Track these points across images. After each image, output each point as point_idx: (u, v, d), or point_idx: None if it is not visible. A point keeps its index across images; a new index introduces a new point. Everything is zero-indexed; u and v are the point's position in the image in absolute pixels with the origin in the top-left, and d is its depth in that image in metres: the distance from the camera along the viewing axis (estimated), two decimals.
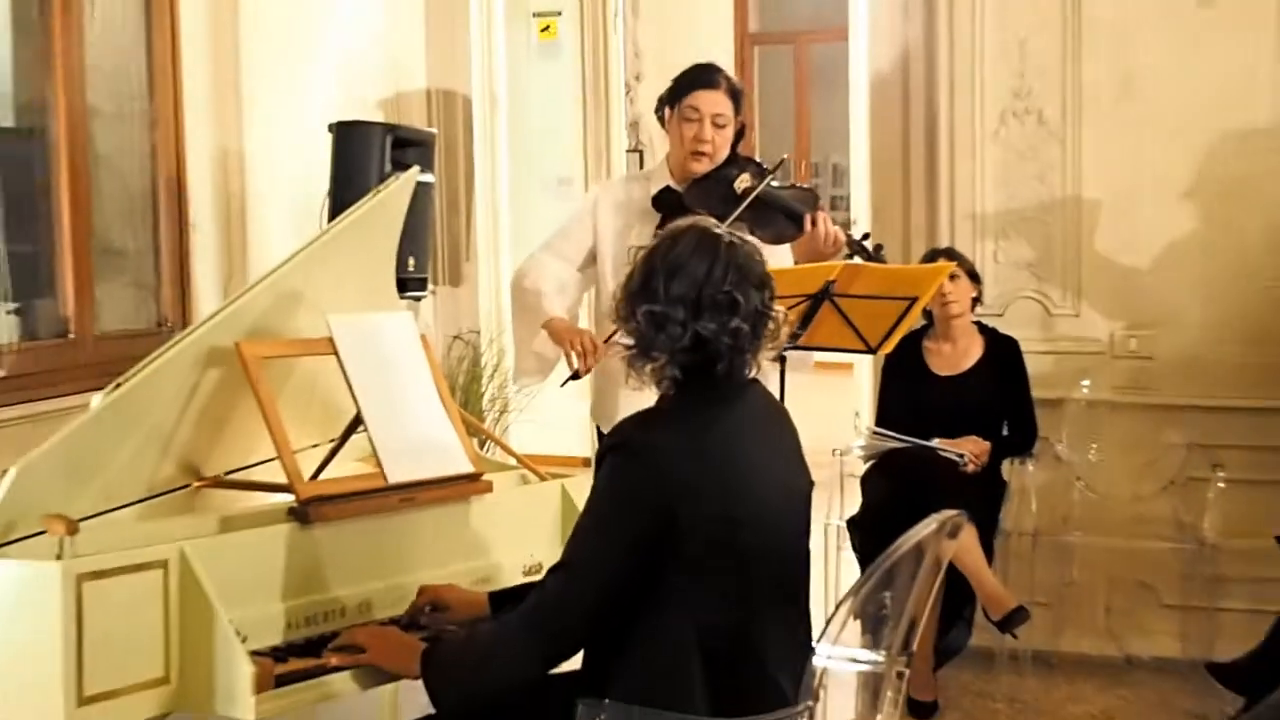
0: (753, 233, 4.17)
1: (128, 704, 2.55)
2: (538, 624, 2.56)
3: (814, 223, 4.09)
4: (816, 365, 4.66)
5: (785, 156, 4.36)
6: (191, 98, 5.78)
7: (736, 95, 4.17)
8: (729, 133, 4.17)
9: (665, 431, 2.56)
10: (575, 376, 3.95)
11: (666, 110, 4.20)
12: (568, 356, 3.92)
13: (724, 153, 4.16)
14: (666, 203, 4.09)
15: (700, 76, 4.16)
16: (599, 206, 4.23)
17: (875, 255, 4.32)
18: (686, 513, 2.48)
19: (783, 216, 4.15)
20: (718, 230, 2.66)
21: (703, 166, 4.14)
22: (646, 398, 2.72)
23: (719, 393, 2.61)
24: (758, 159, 4.28)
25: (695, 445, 2.53)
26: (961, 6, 5.37)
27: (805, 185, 4.43)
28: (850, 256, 4.31)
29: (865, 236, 4.42)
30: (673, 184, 4.18)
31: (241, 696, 2.55)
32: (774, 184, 4.18)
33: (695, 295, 2.55)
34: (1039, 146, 5.36)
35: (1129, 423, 5.33)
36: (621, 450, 2.55)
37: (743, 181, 4.13)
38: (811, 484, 2.79)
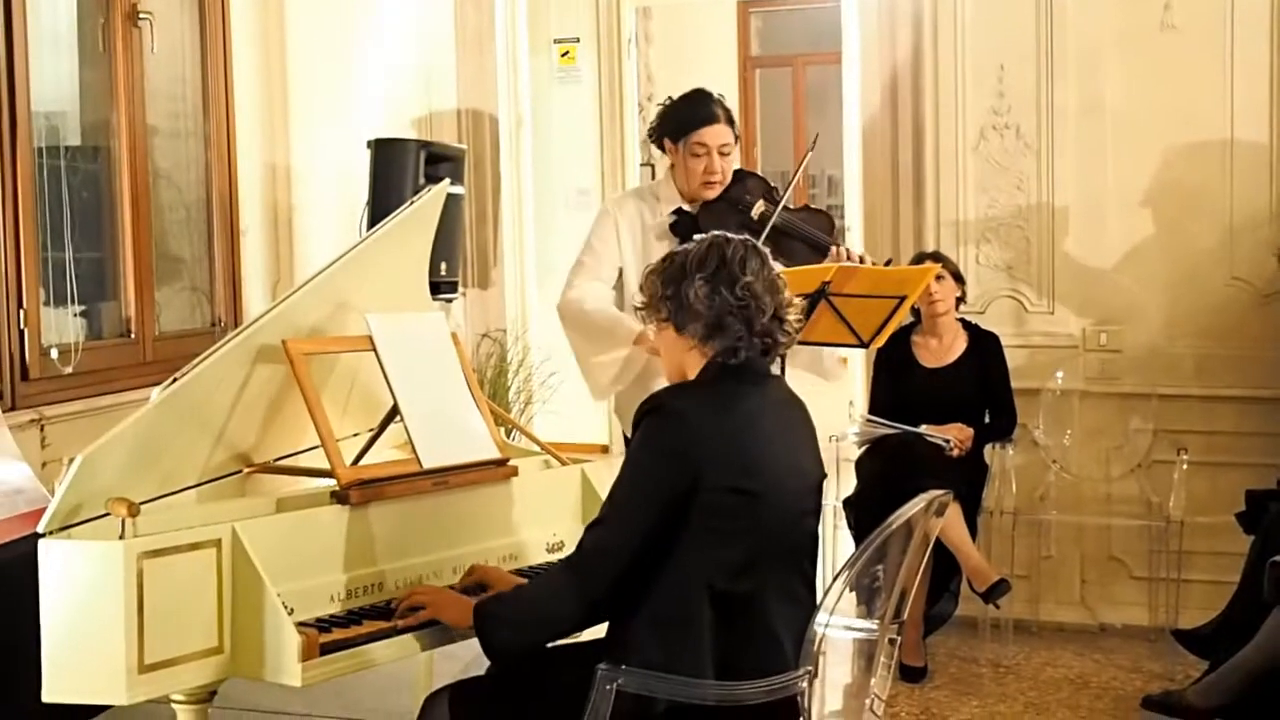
0: (775, 259, 4.16)
1: (184, 671, 2.54)
2: (578, 568, 2.59)
3: (837, 254, 4.07)
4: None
5: (817, 135, 4.32)
6: (242, 117, 5.80)
7: (732, 121, 4.12)
8: (733, 158, 4.13)
9: (693, 400, 2.59)
10: None
11: (667, 142, 4.12)
12: None
13: (729, 176, 4.12)
14: (684, 226, 4.03)
15: (701, 111, 4.07)
16: (620, 227, 4.13)
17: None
18: (708, 476, 2.48)
19: (804, 246, 4.13)
20: (738, 239, 2.69)
21: (714, 192, 4.10)
22: None
23: (743, 377, 2.62)
24: (760, 174, 4.25)
25: (719, 416, 2.55)
26: (945, 33, 5.35)
27: (817, 208, 4.40)
28: None
29: (889, 262, 4.41)
30: (685, 206, 4.13)
31: (289, 664, 2.54)
32: (789, 208, 4.14)
33: (726, 279, 2.60)
34: (1016, 159, 5.34)
35: (1099, 410, 5.32)
36: (656, 412, 2.56)
37: (758, 208, 4.10)
38: (824, 474, 2.77)
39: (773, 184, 4.23)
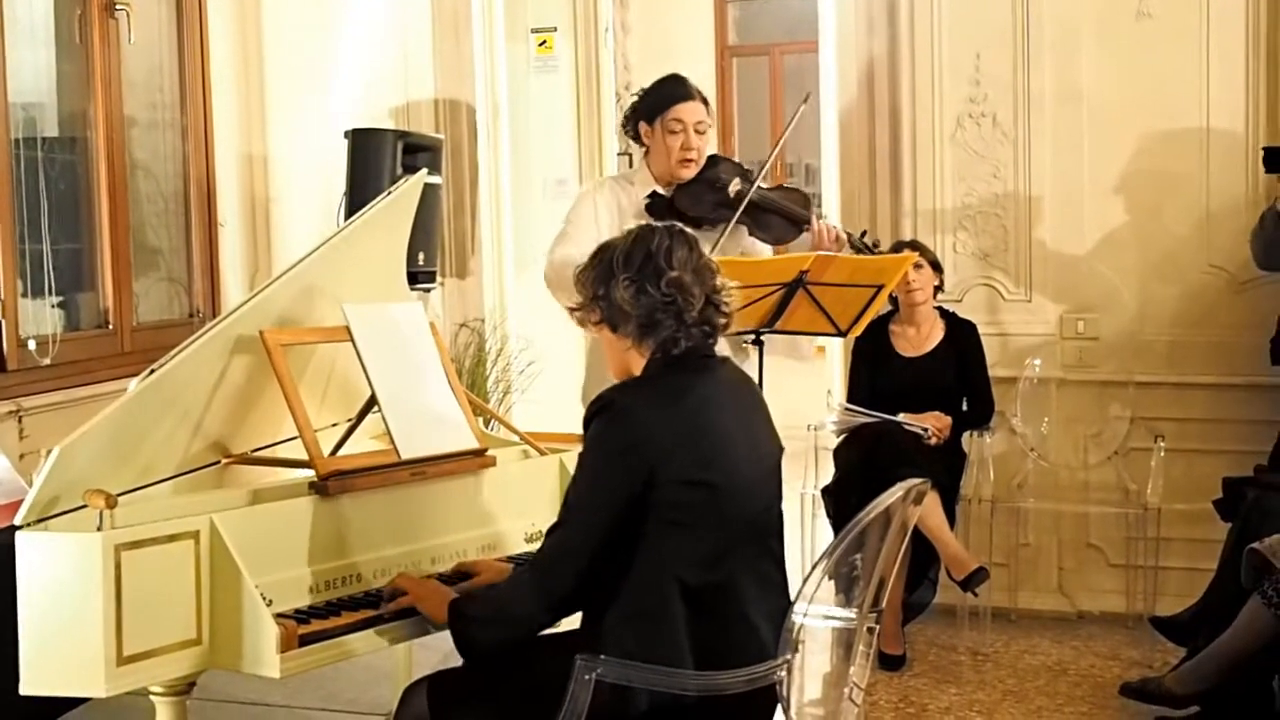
0: (753, 234, 4.18)
1: (163, 663, 2.53)
2: (540, 570, 2.60)
3: (816, 226, 4.11)
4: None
5: (808, 94, 4.37)
6: (219, 108, 5.78)
7: (707, 102, 4.16)
8: (709, 136, 4.15)
9: (642, 397, 2.58)
10: None
11: (643, 125, 4.14)
12: None
13: (704, 157, 4.14)
14: (660, 209, 4.04)
15: (677, 90, 4.12)
16: (598, 207, 4.14)
17: (874, 250, 4.33)
18: (663, 472, 2.49)
19: (781, 219, 4.15)
20: (662, 228, 2.68)
21: (690, 172, 4.11)
22: None
23: (691, 365, 2.62)
24: (735, 160, 4.26)
25: (670, 411, 2.54)
26: (921, 21, 5.36)
27: (793, 186, 4.42)
28: (855, 252, 4.31)
29: (864, 234, 4.43)
30: (659, 189, 4.15)
31: (268, 655, 2.54)
32: (763, 186, 4.16)
33: (651, 275, 2.59)
34: (992, 147, 5.35)
35: (1077, 398, 5.33)
36: (605, 413, 2.55)
37: (734, 186, 4.11)
38: (781, 449, 2.77)
39: (748, 168, 4.24)
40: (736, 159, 4.28)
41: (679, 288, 2.59)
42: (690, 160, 4.09)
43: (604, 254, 2.68)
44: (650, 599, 2.52)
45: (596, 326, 2.69)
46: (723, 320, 2.66)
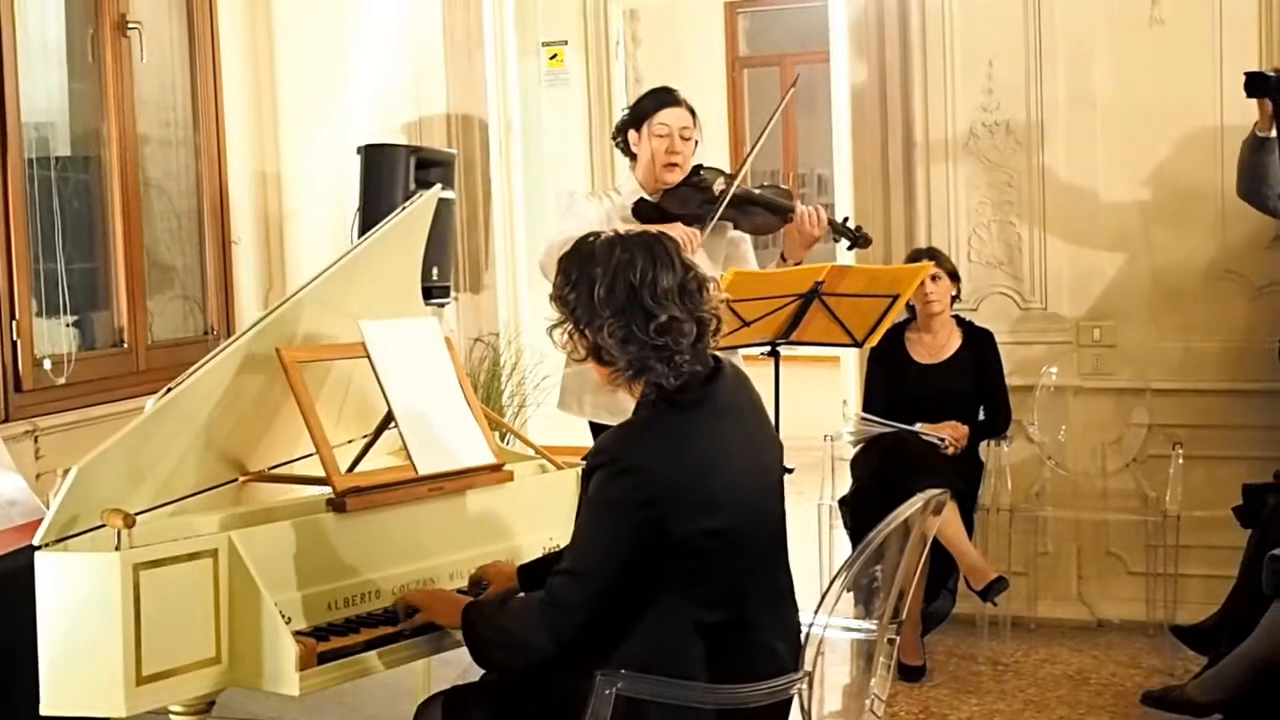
0: (736, 227, 4.22)
1: (182, 682, 2.54)
2: (552, 613, 2.52)
3: (800, 213, 4.15)
4: (805, 359, 4.66)
5: (797, 77, 4.43)
6: (232, 126, 5.80)
7: (693, 112, 4.23)
8: (693, 145, 4.22)
9: (646, 447, 2.48)
10: None
11: (631, 133, 4.22)
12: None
13: (689, 163, 4.21)
14: (645, 212, 4.09)
15: (663, 97, 4.22)
16: (587, 209, 4.21)
17: (857, 235, 4.34)
18: (674, 523, 2.43)
19: (763, 209, 4.20)
20: (638, 246, 2.53)
21: (675, 177, 4.18)
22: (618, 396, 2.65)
23: (689, 399, 2.51)
24: (718, 167, 4.31)
25: (676, 458, 2.45)
26: (933, 29, 5.36)
27: (777, 185, 4.45)
28: (836, 238, 4.33)
29: (845, 220, 4.45)
30: (646, 195, 4.19)
31: (287, 673, 2.54)
32: (746, 184, 4.21)
33: (639, 316, 2.47)
34: (1006, 155, 5.34)
35: (1094, 405, 5.32)
36: (608, 467, 2.47)
37: (719, 184, 4.17)
38: (781, 449, 2.72)
39: (731, 173, 4.29)
40: (750, 172, 4.31)
41: (669, 330, 2.47)
42: (675, 164, 4.16)
43: (584, 275, 2.52)
44: (667, 641, 2.50)
45: (584, 360, 2.58)
46: (713, 329, 2.55)
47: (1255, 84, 4.48)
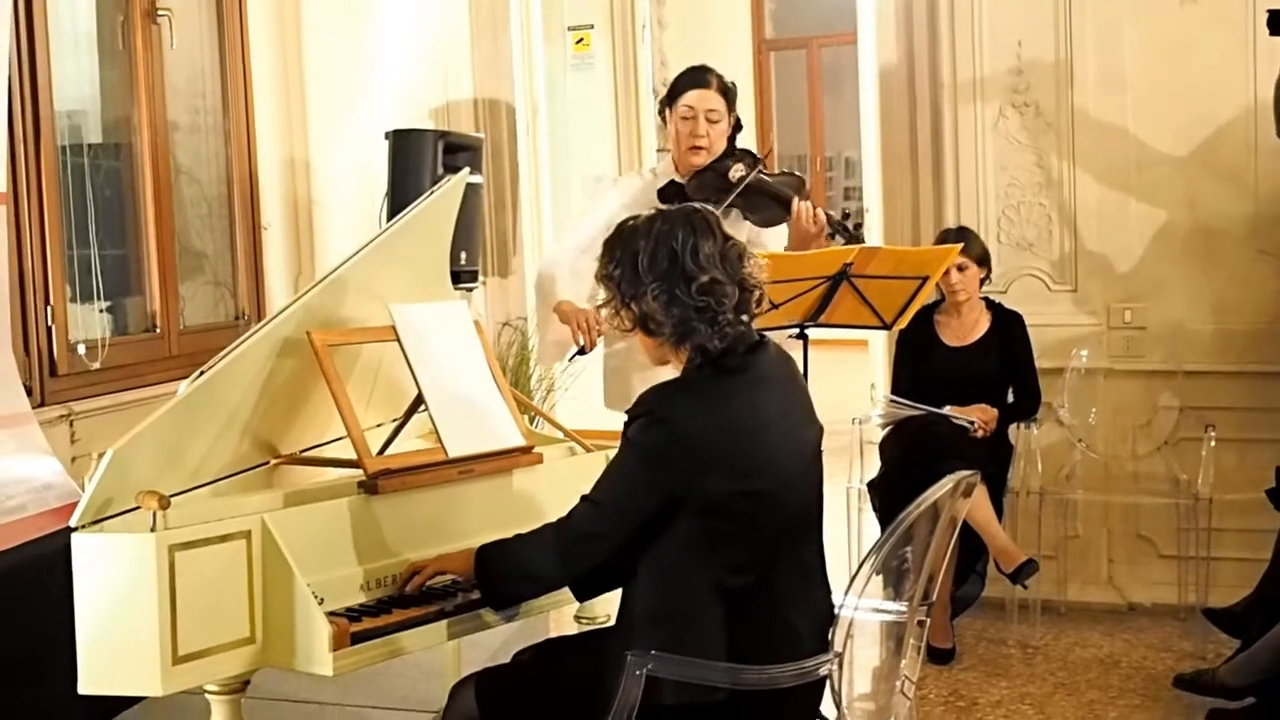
0: (745, 217, 4.21)
1: (217, 662, 2.56)
2: (567, 542, 2.63)
3: (798, 208, 4.09)
4: (833, 343, 4.65)
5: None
6: (261, 112, 5.82)
7: (728, 93, 4.16)
8: (723, 127, 4.16)
9: (686, 404, 2.53)
10: (581, 352, 3.96)
11: (666, 111, 4.21)
12: (574, 334, 3.91)
13: (720, 146, 4.16)
14: (671, 195, 4.07)
15: (693, 78, 4.16)
16: (611, 200, 4.20)
17: (854, 233, 4.32)
18: (707, 481, 2.46)
19: (771, 201, 4.14)
20: (679, 218, 2.61)
21: (700, 159, 4.13)
22: (662, 376, 2.68)
23: (731, 364, 2.57)
24: (753, 150, 4.27)
25: (714, 419, 2.50)
26: (961, 9, 5.33)
27: (793, 172, 4.42)
28: (833, 235, 4.31)
29: (845, 216, 4.44)
30: (677, 177, 4.17)
31: (320, 654, 2.56)
32: (764, 172, 4.16)
33: (680, 281, 2.54)
34: (1036, 136, 5.32)
35: (1125, 388, 5.29)
36: (647, 418, 2.52)
37: (737, 171, 4.13)
38: (820, 430, 2.72)
39: (760, 156, 4.25)
40: (777, 155, 4.29)
41: (711, 291, 2.53)
42: (699, 148, 4.12)
43: (627, 250, 2.61)
44: (685, 600, 2.52)
45: (628, 330, 2.66)
46: (756, 299, 2.62)
47: (1277, 21, 4.41)
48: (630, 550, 2.55)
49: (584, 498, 2.64)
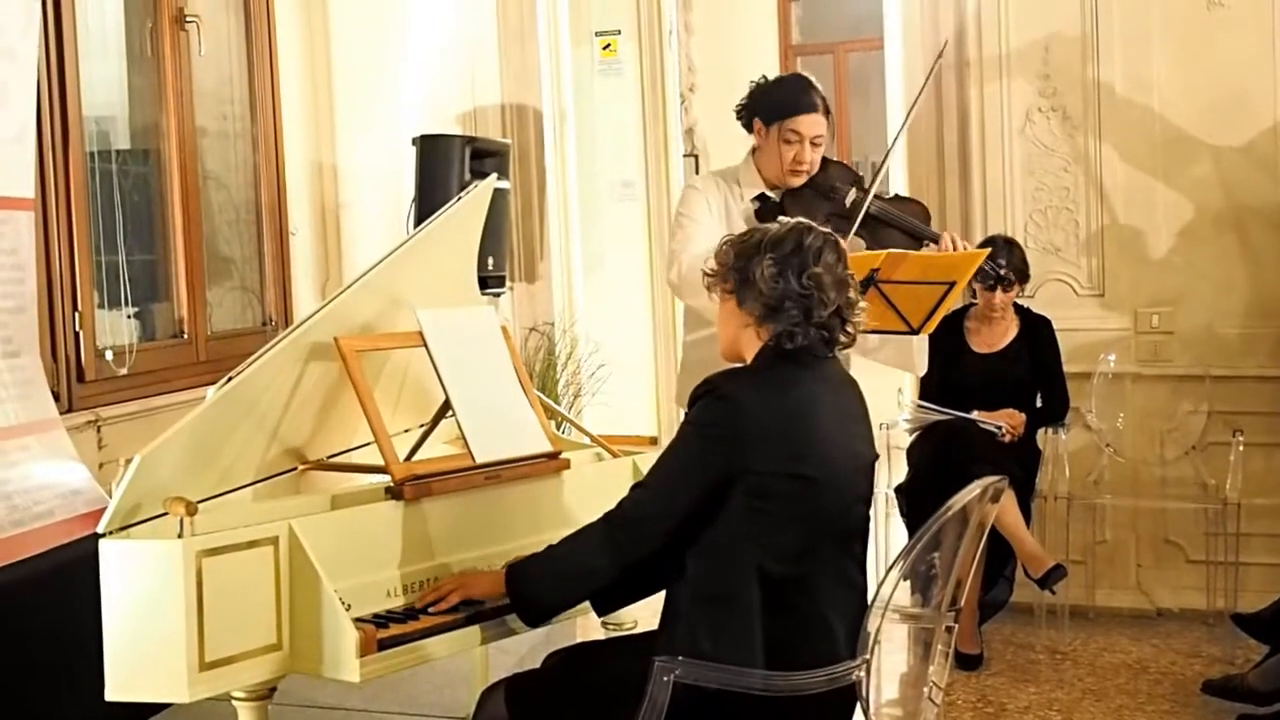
0: (869, 248, 4.09)
1: (244, 668, 2.56)
2: (616, 529, 2.62)
3: (948, 241, 3.93)
4: None
5: (946, 42, 4.32)
6: (289, 118, 5.82)
7: (829, 112, 3.97)
8: (823, 148, 3.98)
9: (748, 385, 2.58)
10: None
11: (758, 122, 3.96)
12: None
13: (816, 168, 3.99)
14: (768, 213, 3.86)
15: (802, 100, 3.91)
16: (710, 203, 3.98)
17: (1002, 276, 4.48)
18: (759, 460, 2.49)
19: (902, 235, 3.97)
20: (822, 231, 2.68)
21: (800, 180, 3.97)
22: None
23: (800, 361, 2.61)
24: (849, 165, 4.14)
25: (773, 402, 2.54)
26: (989, 14, 5.31)
27: (908, 197, 4.31)
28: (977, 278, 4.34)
29: (997, 259, 4.46)
30: (767, 191, 4.01)
31: (347, 660, 2.55)
32: (881, 195, 4.02)
33: (796, 264, 2.59)
34: (1063, 140, 5.30)
35: (1153, 393, 5.27)
36: (709, 395, 2.56)
37: (850, 195, 3.96)
38: (876, 456, 2.77)
39: (861, 174, 4.12)
40: (852, 166, 4.15)
41: (818, 285, 2.58)
42: (802, 171, 3.95)
43: (755, 233, 2.69)
44: (729, 583, 2.52)
45: (724, 295, 2.69)
46: (844, 338, 2.65)
47: None
48: (676, 543, 2.56)
49: (634, 485, 2.68)
